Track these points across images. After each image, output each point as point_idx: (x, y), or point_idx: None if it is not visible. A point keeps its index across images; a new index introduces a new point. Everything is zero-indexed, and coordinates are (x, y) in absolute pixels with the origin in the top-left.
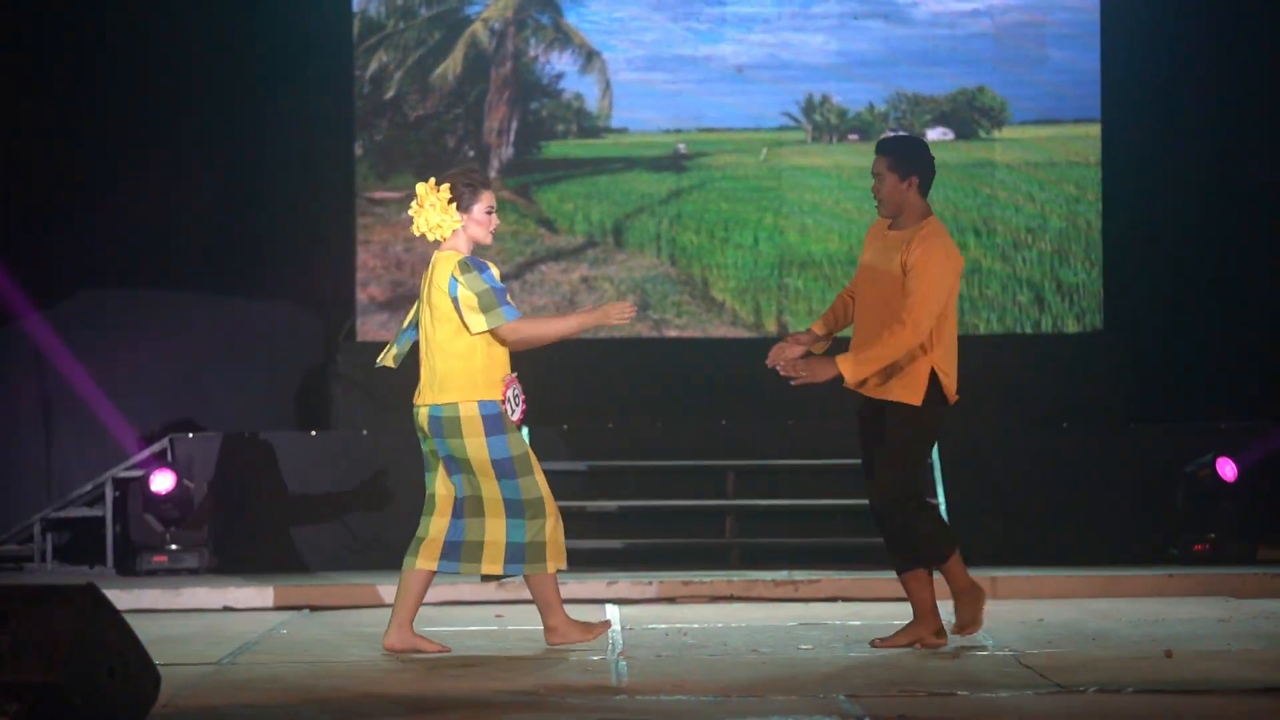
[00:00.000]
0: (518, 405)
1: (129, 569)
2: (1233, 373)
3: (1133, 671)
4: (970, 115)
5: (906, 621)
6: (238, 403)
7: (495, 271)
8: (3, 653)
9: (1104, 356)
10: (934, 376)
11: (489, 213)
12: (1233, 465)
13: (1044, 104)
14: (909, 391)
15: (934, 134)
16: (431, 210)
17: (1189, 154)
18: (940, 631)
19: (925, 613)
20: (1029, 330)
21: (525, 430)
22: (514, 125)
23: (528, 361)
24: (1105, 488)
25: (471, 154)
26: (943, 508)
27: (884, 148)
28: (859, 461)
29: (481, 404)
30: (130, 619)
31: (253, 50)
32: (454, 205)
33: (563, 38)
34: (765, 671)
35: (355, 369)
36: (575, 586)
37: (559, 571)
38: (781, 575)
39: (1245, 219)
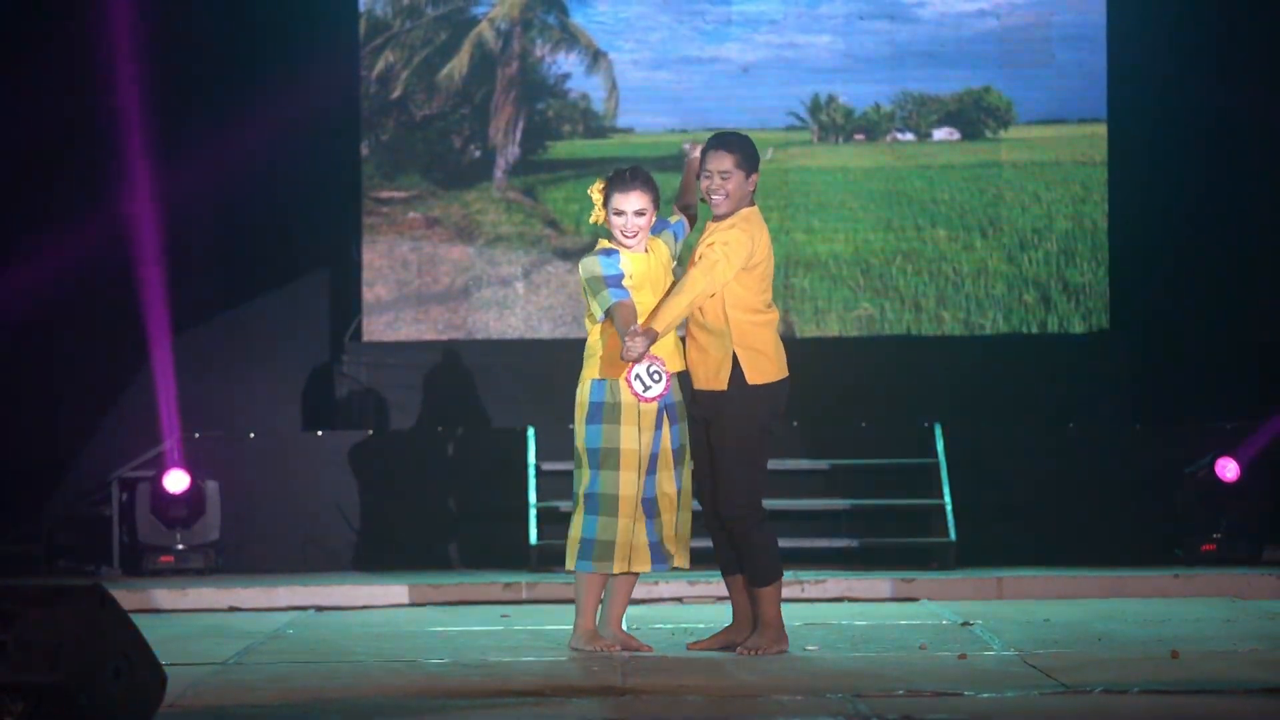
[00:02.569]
0: (653, 382)
1: (135, 569)
2: (1240, 373)
3: (1139, 672)
4: (976, 115)
5: (911, 623)
6: (243, 403)
7: (620, 258)
8: (8, 653)
9: (1110, 357)
10: (735, 362)
11: (616, 214)
12: (1234, 465)
13: (1050, 104)
14: (716, 379)
15: (940, 134)
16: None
17: (1195, 154)
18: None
19: (743, 619)
20: (1035, 330)
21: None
22: (520, 125)
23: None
24: (1111, 488)
25: (478, 154)
26: (948, 508)
27: (731, 145)
28: (864, 462)
29: (594, 386)
30: (137, 619)
31: (259, 49)
32: (603, 200)
33: (569, 38)
34: (771, 672)
35: (361, 369)
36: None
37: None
38: (787, 576)
39: (1251, 219)
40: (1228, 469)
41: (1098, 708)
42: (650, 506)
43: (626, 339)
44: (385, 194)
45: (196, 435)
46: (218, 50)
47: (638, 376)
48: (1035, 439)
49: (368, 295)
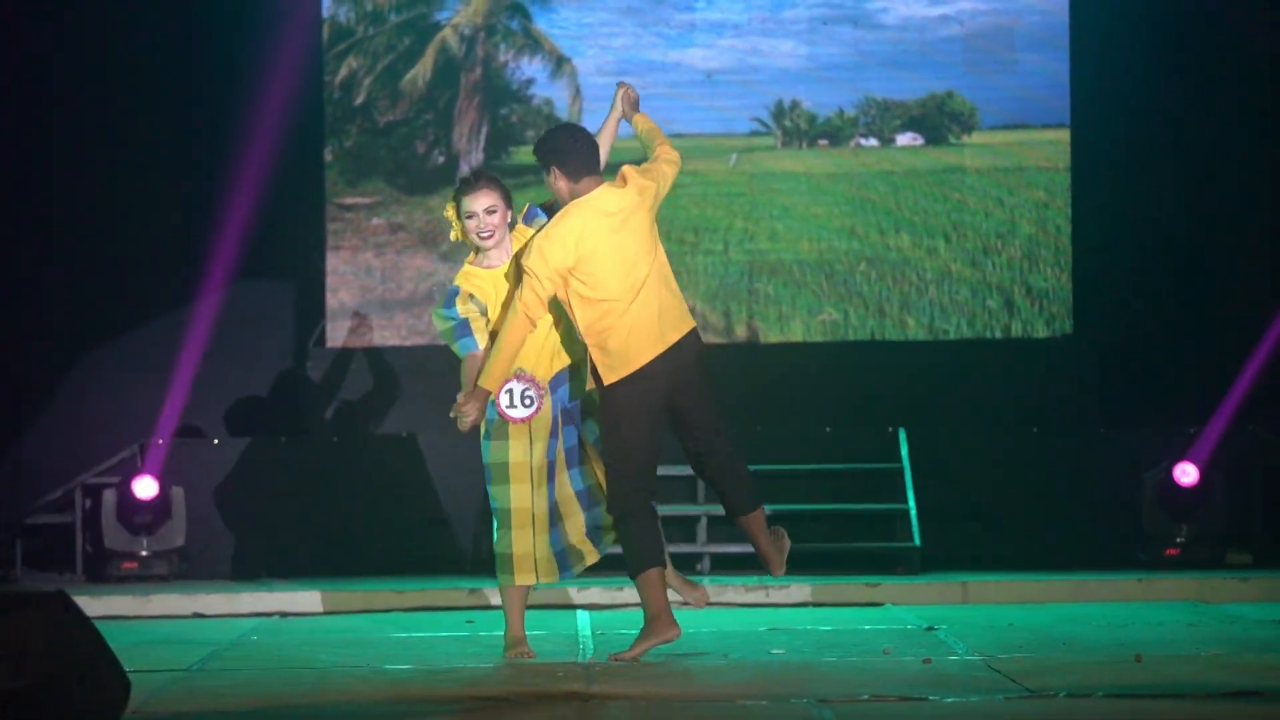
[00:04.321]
0: (522, 404)
1: (99, 576)
2: (1202, 377)
3: (1103, 676)
4: (940, 120)
5: (876, 627)
6: (207, 408)
7: (458, 296)
8: None
9: (1073, 361)
10: (592, 363)
11: (469, 218)
12: (1193, 470)
13: (1013, 109)
14: (591, 380)
15: (904, 139)
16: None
17: (1158, 159)
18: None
19: (654, 616)
20: (998, 335)
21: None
22: (484, 131)
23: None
24: (1075, 492)
25: (442, 160)
26: (912, 513)
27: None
28: (828, 467)
29: (490, 403)
30: (100, 626)
31: (222, 56)
32: (455, 213)
33: (532, 44)
34: (736, 676)
35: (325, 375)
36: (546, 592)
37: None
38: (752, 581)
39: (1214, 224)
40: (1185, 474)
41: (1062, 712)
42: (553, 513)
43: (458, 404)
44: (349, 200)
45: (160, 441)
46: (180, 56)
47: (508, 391)
48: (999, 443)
49: (331, 301)
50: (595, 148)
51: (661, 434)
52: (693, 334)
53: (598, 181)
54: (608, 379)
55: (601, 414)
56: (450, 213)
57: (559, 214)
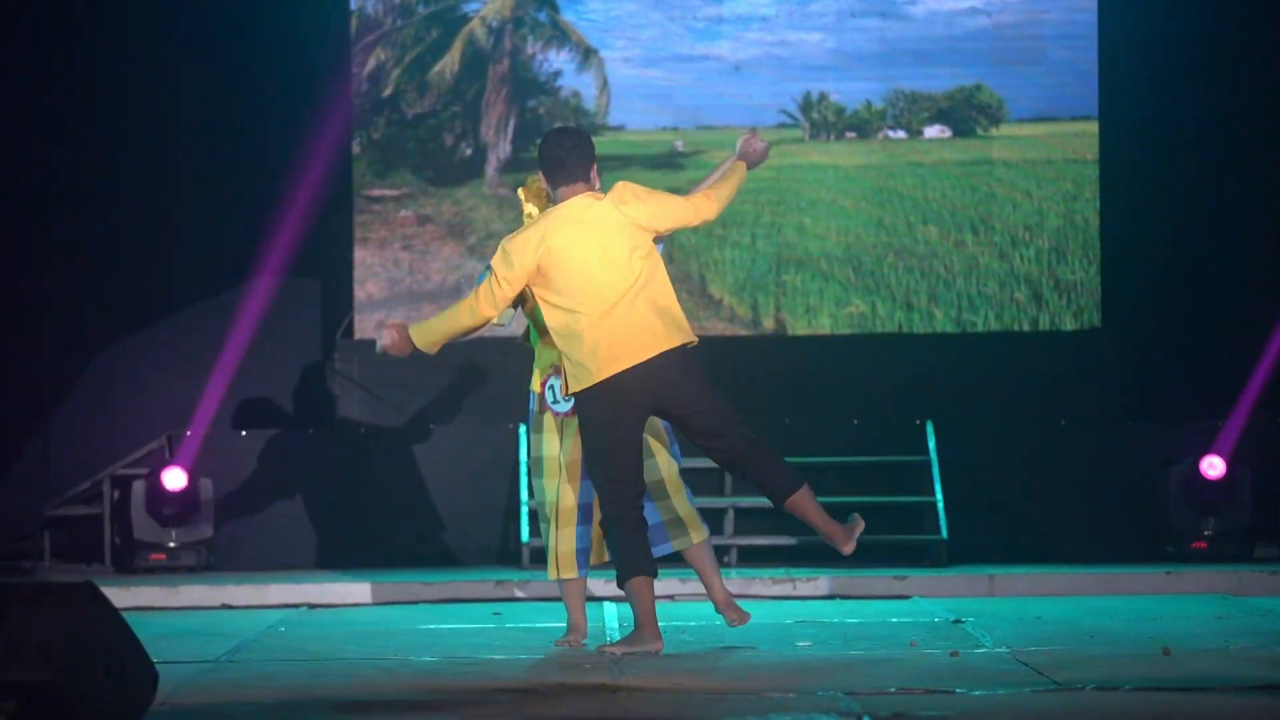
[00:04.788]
0: (564, 399)
1: (127, 567)
2: (1231, 370)
3: (1130, 669)
4: (968, 112)
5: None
6: (235, 400)
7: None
8: None
9: (1102, 354)
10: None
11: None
12: (1220, 463)
13: (1042, 101)
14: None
15: (932, 131)
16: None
17: (1186, 150)
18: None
19: (640, 624)
20: (1026, 328)
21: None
22: (511, 123)
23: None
24: (1103, 485)
25: (469, 152)
26: (940, 505)
27: None
28: (855, 459)
29: (529, 397)
30: (128, 617)
31: (250, 48)
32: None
33: (560, 35)
34: (763, 669)
35: (353, 366)
36: None
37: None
38: (779, 574)
39: (1243, 216)
40: (1213, 467)
41: (1089, 705)
42: (583, 512)
43: (388, 323)
44: (376, 192)
45: (188, 433)
46: (208, 48)
47: (550, 387)
48: (1027, 436)
49: (359, 293)
50: (581, 154)
51: (639, 439)
52: (679, 351)
53: (576, 190)
54: (572, 387)
55: (580, 425)
56: (529, 196)
57: (537, 220)
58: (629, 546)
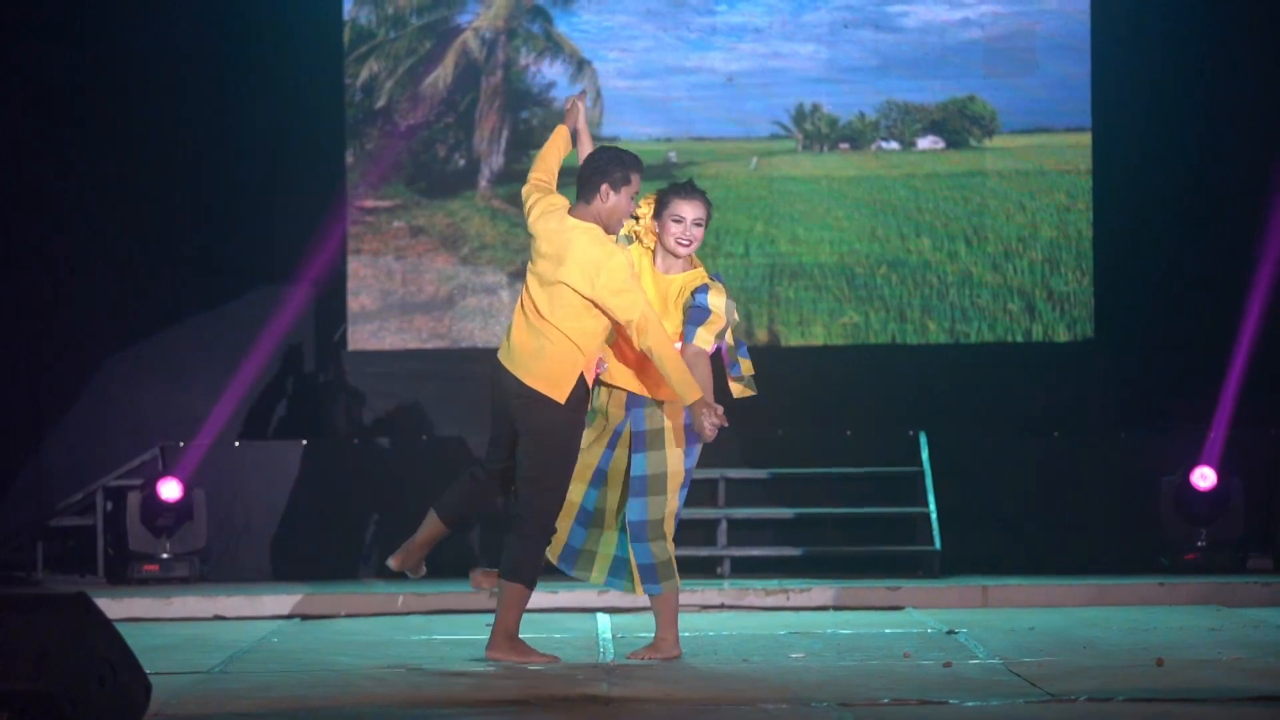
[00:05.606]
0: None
1: (120, 578)
2: (1224, 382)
3: (1123, 680)
4: (961, 124)
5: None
6: (229, 411)
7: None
8: None
9: (1095, 365)
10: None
11: (675, 221)
12: (1211, 474)
13: (1034, 113)
14: (557, 388)
15: (924, 142)
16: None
17: (1179, 162)
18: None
19: (513, 633)
20: (1020, 339)
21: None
22: (505, 134)
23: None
24: (1096, 496)
25: (462, 163)
26: (933, 516)
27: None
28: (849, 470)
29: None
30: (121, 628)
31: (243, 58)
32: (655, 210)
33: (553, 47)
34: (756, 680)
35: (346, 378)
36: (566, 595)
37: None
38: (772, 584)
39: (1235, 228)
40: (1204, 478)
41: (1083, 716)
42: (591, 516)
43: (713, 412)
44: (370, 203)
45: (181, 444)
46: (202, 59)
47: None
48: (1020, 447)
49: (353, 304)
50: (585, 176)
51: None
52: (520, 383)
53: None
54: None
55: (571, 428)
56: (644, 206)
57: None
58: (539, 558)
